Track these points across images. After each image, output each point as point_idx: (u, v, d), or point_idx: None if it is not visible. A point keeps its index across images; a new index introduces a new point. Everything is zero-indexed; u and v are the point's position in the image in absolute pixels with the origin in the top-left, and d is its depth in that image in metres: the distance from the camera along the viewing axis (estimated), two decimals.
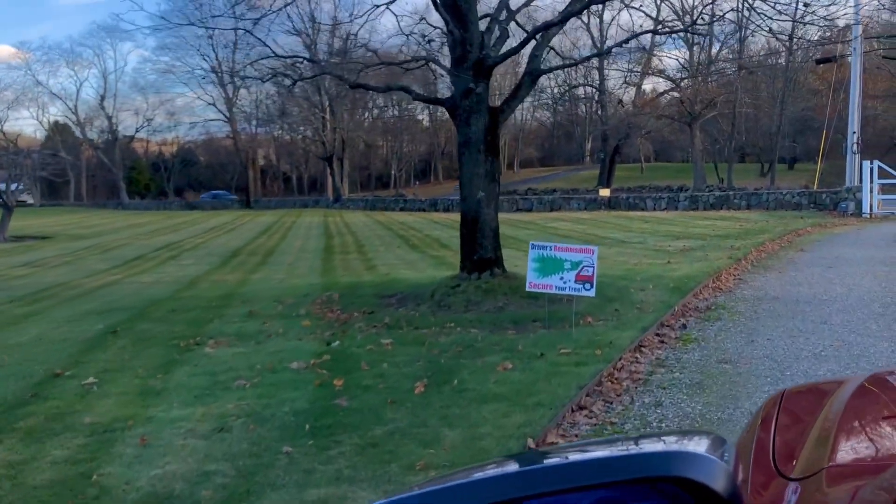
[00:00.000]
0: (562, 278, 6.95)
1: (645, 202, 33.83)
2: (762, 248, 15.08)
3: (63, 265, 17.30)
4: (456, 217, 35.37)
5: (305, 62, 9.73)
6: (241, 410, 5.01)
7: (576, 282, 6.93)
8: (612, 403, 5.17)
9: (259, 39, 9.48)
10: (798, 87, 48.26)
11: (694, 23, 8.68)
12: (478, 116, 8.74)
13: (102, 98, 69.79)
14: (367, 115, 76.59)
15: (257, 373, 5.99)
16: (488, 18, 9.28)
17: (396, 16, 9.66)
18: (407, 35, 9.21)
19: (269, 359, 6.44)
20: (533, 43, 9.02)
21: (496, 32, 9.15)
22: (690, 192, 38.40)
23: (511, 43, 9.29)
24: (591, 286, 6.91)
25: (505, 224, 28.78)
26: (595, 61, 52.57)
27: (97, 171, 78.80)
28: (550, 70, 8.88)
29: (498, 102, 9.61)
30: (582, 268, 6.93)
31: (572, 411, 4.97)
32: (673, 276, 10.72)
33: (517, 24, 9.42)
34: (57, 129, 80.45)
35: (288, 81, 9.89)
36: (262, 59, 9.68)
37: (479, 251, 8.87)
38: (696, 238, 17.62)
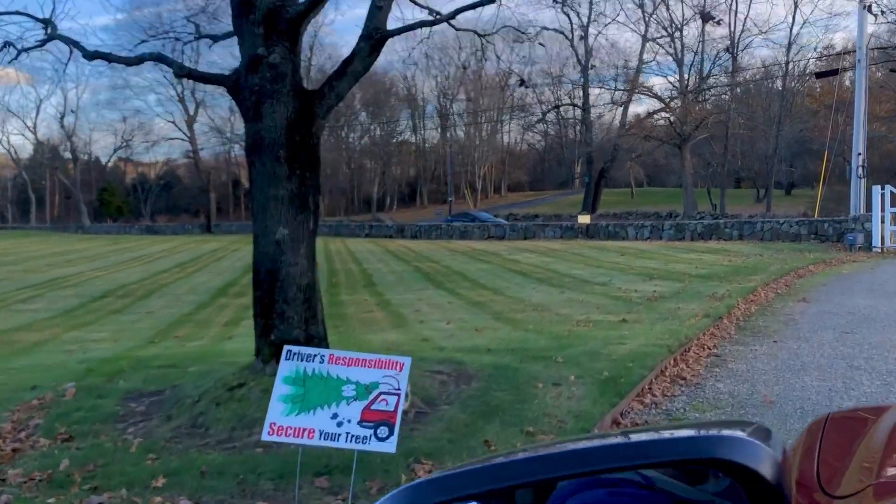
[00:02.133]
0: (335, 416, 3.43)
1: (626, 231, 30.35)
2: (753, 296, 11.59)
3: None
4: (413, 245, 31.65)
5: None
6: None
7: (361, 423, 3.40)
8: None
9: None
10: (795, 107, 45.08)
11: None
12: (274, 102, 5.26)
13: (62, 116, 66.23)
14: (352, 135, 73.27)
15: None
16: None
17: None
18: None
19: None
20: None
21: None
22: (678, 219, 35.01)
23: None
24: (391, 432, 3.38)
25: (461, 255, 25.10)
26: (580, 79, 49.33)
27: (73, 192, 75.03)
28: (400, 31, 5.46)
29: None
30: (377, 397, 3.43)
31: None
32: (618, 351, 7.21)
33: None
34: (40, 149, 76.68)
35: (13, 51, 6.41)
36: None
37: (279, 327, 5.32)
38: (673, 279, 14.12)
